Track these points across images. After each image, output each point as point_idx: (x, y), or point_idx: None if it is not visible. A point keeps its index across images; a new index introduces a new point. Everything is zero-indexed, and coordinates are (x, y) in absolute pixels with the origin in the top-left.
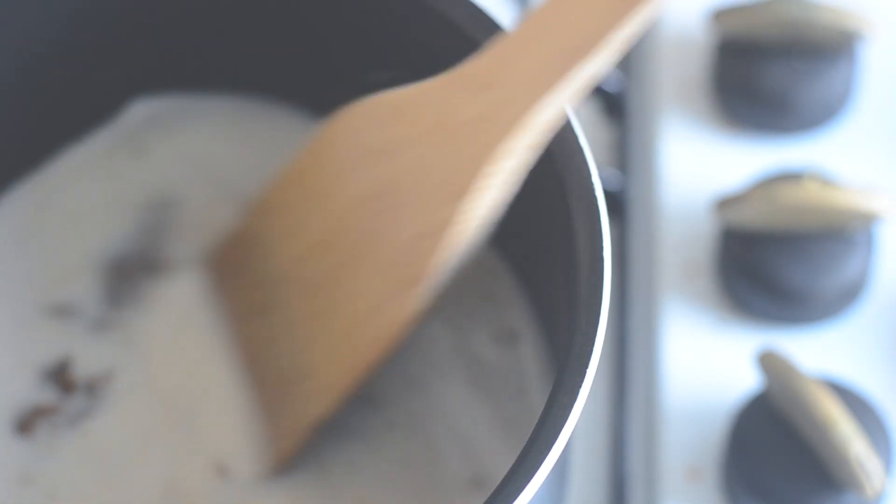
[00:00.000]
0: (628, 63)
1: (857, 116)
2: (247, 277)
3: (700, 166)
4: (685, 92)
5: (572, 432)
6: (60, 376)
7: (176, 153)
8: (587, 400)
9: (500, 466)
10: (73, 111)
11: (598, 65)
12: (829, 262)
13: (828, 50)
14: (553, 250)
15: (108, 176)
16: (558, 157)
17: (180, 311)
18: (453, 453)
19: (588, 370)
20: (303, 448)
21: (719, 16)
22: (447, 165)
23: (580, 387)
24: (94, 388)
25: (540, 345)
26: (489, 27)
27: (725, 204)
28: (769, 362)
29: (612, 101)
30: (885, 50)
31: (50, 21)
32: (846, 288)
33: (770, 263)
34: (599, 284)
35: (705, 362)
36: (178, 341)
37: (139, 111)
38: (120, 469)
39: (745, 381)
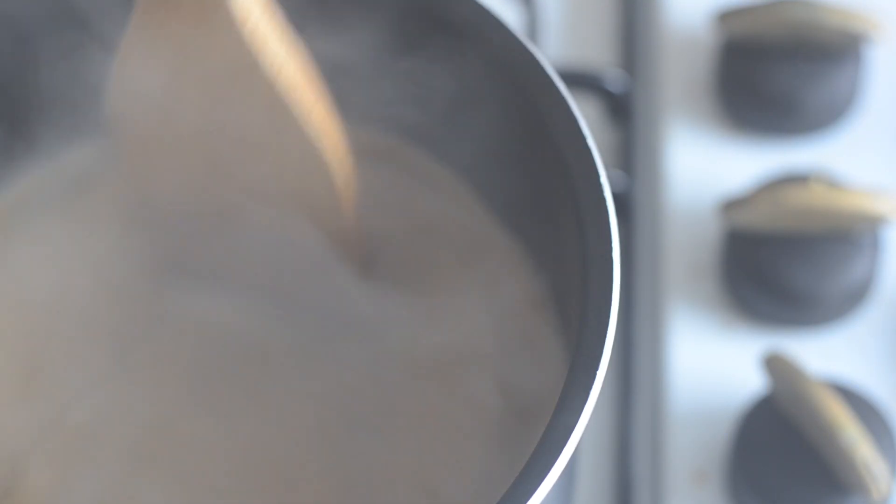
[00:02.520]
0: (634, 65)
1: (863, 118)
2: None
3: (706, 168)
4: (691, 94)
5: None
6: None
7: None
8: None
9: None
10: None
11: None
12: (834, 265)
13: (834, 51)
14: (562, 252)
15: None
16: (567, 160)
17: None
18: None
19: (598, 372)
20: None
21: (725, 17)
22: None
23: (590, 389)
24: None
25: None
26: (497, 28)
27: (731, 206)
28: (775, 365)
29: (618, 103)
30: (892, 52)
31: None
32: (852, 290)
33: (776, 265)
34: (609, 286)
35: (711, 364)
36: None
37: None
38: None
39: (750, 384)
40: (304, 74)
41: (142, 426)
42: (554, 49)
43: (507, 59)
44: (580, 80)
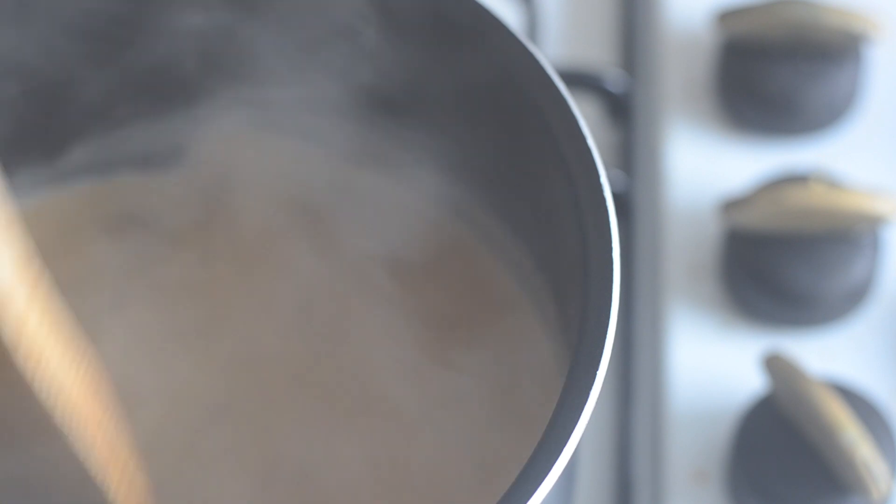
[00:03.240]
0: (633, 65)
1: (863, 118)
2: None
3: (706, 168)
4: (691, 94)
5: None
6: None
7: None
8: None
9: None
10: None
11: None
12: (834, 265)
13: (834, 51)
14: (562, 251)
15: None
16: (567, 160)
17: None
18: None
19: (598, 372)
20: None
21: (724, 17)
22: None
23: (590, 389)
24: None
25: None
26: (497, 28)
27: (731, 206)
28: (775, 365)
29: (618, 103)
30: (892, 51)
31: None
32: (852, 290)
33: (776, 266)
34: (609, 286)
35: (711, 364)
36: None
37: None
38: None
39: (751, 384)
40: (90, 399)
41: None
42: (554, 49)
43: (507, 58)
44: (580, 80)
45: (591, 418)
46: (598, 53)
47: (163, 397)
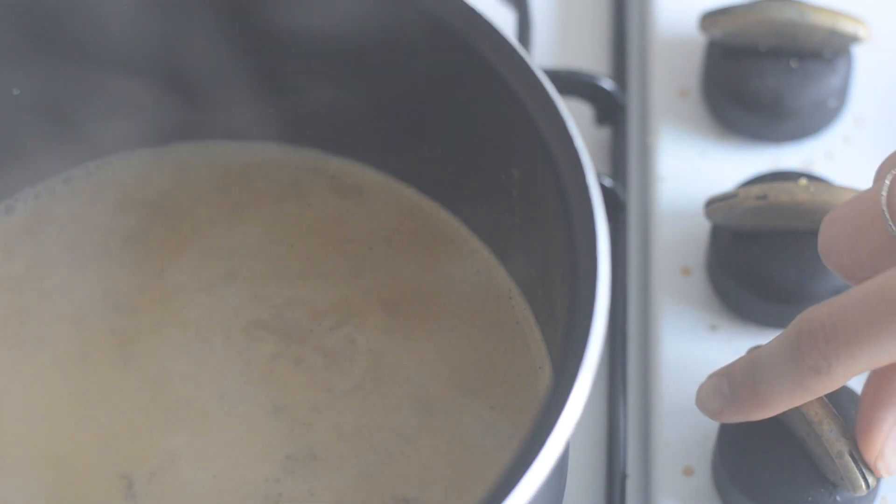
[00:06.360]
0: (625, 69)
1: (852, 121)
2: None
3: (695, 169)
4: (680, 95)
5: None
6: None
7: None
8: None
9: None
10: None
11: None
12: (821, 264)
13: (822, 53)
14: (551, 253)
15: None
16: (556, 160)
17: None
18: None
19: (587, 369)
20: None
21: (707, 17)
22: None
23: (580, 386)
24: None
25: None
26: (488, 33)
27: (718, 203)
28: None
29: (608, 106)
30: (881, 53)
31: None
32: (839, 289)
33: (763, 264)
34: (597, 285)
35: (701, 362)
36: None
37: None
38: None
39: None
40: None
41: None
42: (546, 55)
43: (497, 62)
44: (571, 85)
45: (582, 414)
46: (589, 57)
47: None
